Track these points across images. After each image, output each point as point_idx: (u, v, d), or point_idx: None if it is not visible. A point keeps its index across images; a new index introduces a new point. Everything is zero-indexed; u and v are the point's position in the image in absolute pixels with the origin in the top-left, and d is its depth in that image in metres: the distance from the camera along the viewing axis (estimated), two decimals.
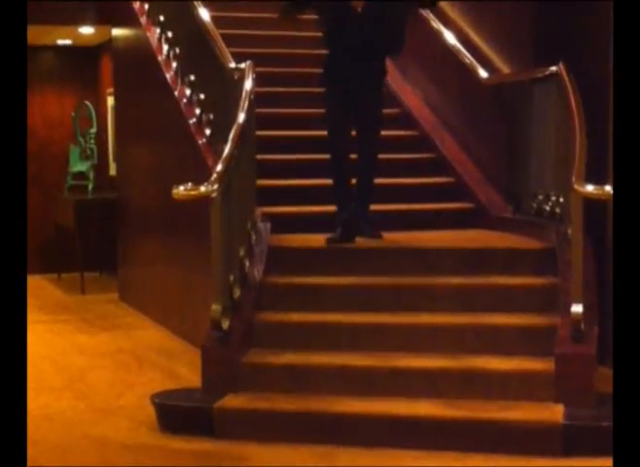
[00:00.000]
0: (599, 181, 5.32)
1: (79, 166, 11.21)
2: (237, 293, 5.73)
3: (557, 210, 6.11)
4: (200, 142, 7.05)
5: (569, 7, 6.70)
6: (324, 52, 6.56)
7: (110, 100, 11.10)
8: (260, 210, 6.49)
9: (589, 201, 5.30)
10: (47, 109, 11.77)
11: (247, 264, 5.94)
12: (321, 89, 6.48)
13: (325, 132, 6.42)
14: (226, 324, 5.51)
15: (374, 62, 6.31)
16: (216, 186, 5.45)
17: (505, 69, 7.26)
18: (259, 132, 6.68)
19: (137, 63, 9.09)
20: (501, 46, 7.35)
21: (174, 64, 7.81)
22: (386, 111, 6.86)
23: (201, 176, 5.77)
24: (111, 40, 10.10)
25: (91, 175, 11.03)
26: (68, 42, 11.47)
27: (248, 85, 6.23)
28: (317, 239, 6.31)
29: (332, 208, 6.45)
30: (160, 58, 8.03)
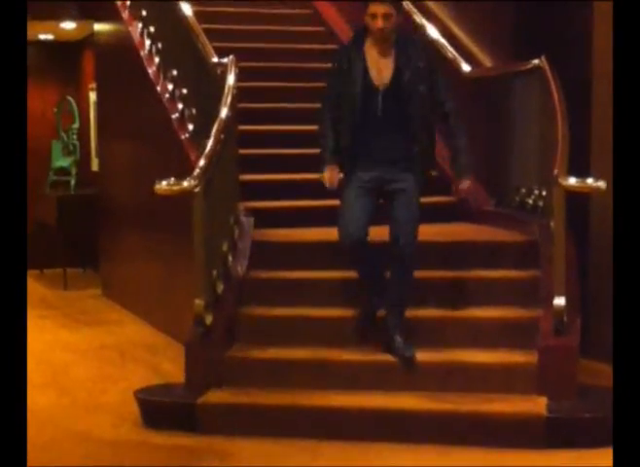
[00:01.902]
0: (581, 174, 5.34)
1: (61, 162, 11.18)
2: (220, 288, 5.72)
3: (540, 203, 6.12)
4: (183, 137, 7.03)
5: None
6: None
7: (92, 96, 11.07)
8: (243, 205, 6.48)
9: (572, 194, 5.33)
10: (29, 105, 11.65)
11: (230, 259, 5.94)
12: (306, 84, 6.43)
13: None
14: (209, 319, 5.51)
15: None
16: (198, 181, 5.45)
17: (487, 63, 7.28)
18: (242, 127, 6.66)
19: (120, 58, 9.06)
20: (483, 40, 7.36)
21: (157, 59, 7.79)
22: None
23: (184, 171, 5.76)
24: (93, 35, 10.07)
25: (74, 171, 11.01)
26: (50, 37, 11.43)
27: (231, 79, 6.22)
28: (300, 234, 6.31)
29: (317, 203, 6.41)
30: (142, 53, 8.00)
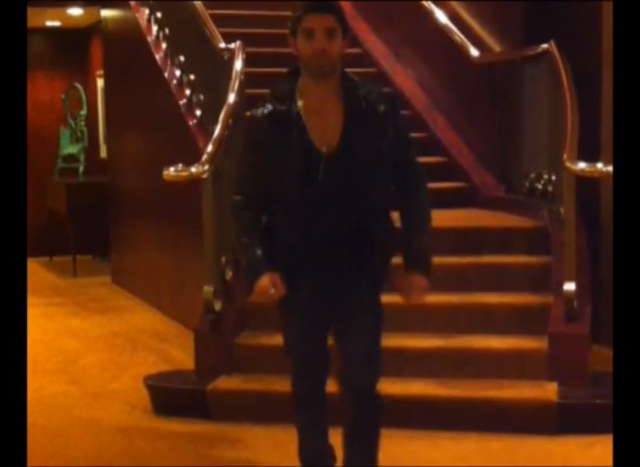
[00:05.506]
0: (591, 159, 5.31)
1: (69, 149, 11.17)
2: (229, 274, 5.71)
3: (549, 189, 6.09)
4: (191, 123, 7.01)
5: None
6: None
7: (100, 82, 11.05)
8: None
9: (582, 179, 5.30)
10: (36, 92, 11.69)
11: None
12: None
13: None
14: (218, 306, 5.50)
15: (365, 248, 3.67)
16: (207, 167, 5.43)
17: (496, 49, 7.24)
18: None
19: (127, 45, 9.03)
20: (492, 25, 7.32)
21: (164, 45, 7.76)
22: None
23: (193, 158, 5.74)
24: (100, 21, 10.04)
25: (82, 158, 11.00)
26: (57, 24, 11.40)
27: (238, 65, 6.19)
28: None
29: None
30: (149, 39, 7.98)
